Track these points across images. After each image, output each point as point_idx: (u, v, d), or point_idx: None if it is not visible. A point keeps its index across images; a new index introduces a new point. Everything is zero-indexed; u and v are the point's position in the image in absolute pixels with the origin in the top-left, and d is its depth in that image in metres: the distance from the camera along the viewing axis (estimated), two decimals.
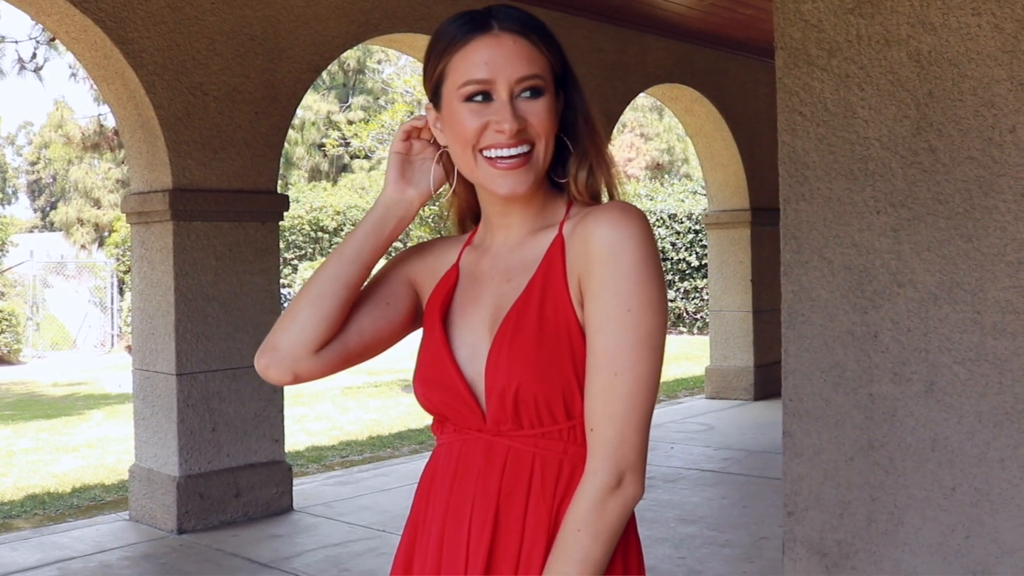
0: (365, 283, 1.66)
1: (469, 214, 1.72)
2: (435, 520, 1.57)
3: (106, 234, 26.91)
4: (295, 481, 6.65)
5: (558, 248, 1.55)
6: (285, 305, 15.29)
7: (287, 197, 6.56)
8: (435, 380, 1.58)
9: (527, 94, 1.50)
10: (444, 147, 1.61)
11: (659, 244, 19.70)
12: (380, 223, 1.64)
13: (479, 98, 1.49)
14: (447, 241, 1.73)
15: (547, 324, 1.50)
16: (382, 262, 1.76)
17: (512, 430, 1.52)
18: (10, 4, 5.68)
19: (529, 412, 1.49)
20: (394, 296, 1.67)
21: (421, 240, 1.62)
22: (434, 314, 1.62)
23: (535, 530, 1.50)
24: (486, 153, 1.51)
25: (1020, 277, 3.18)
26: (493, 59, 1.48)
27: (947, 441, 3.33)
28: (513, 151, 1.50)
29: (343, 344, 1.63)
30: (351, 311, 1.64)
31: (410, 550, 1.62)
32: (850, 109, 3.50)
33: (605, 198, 1.62)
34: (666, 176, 28.96)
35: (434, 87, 1.56)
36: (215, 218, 6.06)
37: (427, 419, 1.66)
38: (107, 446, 9.70)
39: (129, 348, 17.58)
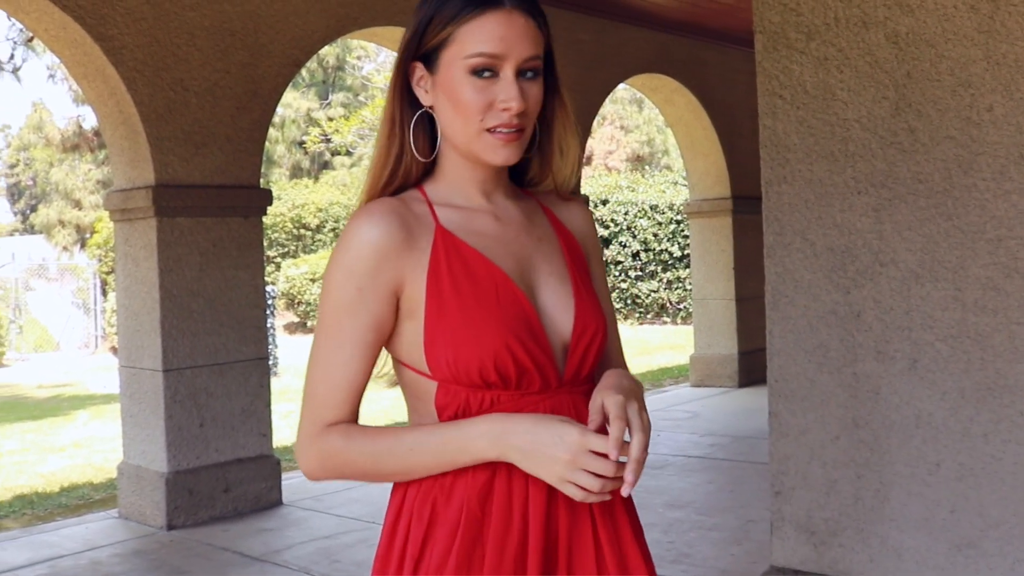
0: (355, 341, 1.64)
1: (413, 174, 1.60)
2: (533, 493, 1.51)
3: (88, 235, 26.77)
4: (284, 475, 6.65)
5: (555, 219, 1.69)
6: (270, 303, 15.16)
7: (270, 191, 6.56)
8: (528, 337, 1.51)
9: (529, 74, 1.52)
10: (427, 108, 1.57)
11: (641, 235, 19.75)
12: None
13: (487, 73, 1.49)
14: (397, 213, 1.54)
15: (591, 284, 1.67)
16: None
17: (585, 381, 1.59)
18: None
19: (597, 360, 1.60)
20: (385, 330, 1.60)
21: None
22: (499, 274, 1.54)
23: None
24: (489, 129, 1.52)
25: (1000, 254, 3.22)
26: (507, 36, 1.49)
27: (931, 417, 3.37)
28: (514, 126, 1.52)
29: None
30: (359, 375, 1.73)
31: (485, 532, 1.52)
32: (829, 91, 3.53)
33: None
34: (647, 168, 29.02)
35: (432, 49, 1.53)
36: (198, 214, 6.06)
37: None
38: (94, 445, 9.67)
39: (114, 349, 17.52)
